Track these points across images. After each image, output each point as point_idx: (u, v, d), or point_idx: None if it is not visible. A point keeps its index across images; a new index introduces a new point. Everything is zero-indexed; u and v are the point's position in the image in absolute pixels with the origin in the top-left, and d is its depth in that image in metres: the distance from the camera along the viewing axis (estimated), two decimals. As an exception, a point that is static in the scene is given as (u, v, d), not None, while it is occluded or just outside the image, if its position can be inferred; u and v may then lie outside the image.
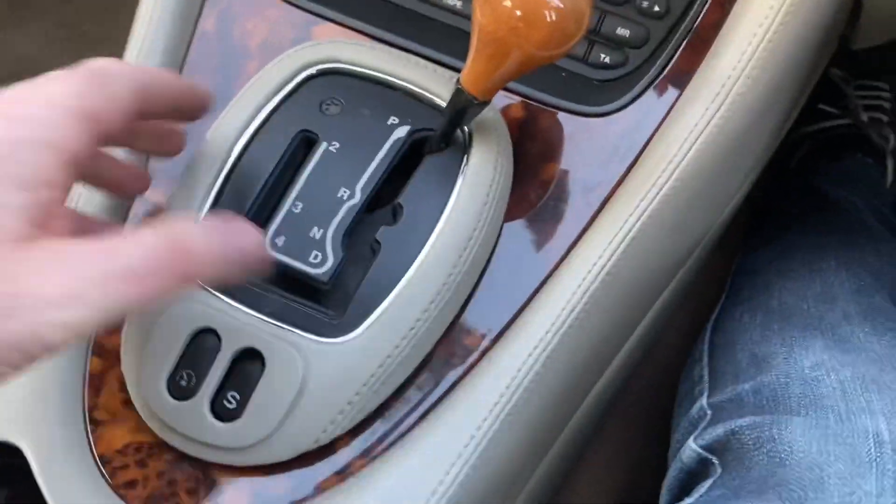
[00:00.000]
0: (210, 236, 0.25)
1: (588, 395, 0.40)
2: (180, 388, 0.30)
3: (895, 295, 0.44)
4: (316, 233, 0.33)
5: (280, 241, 0.32)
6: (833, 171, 0.63)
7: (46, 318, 0.21)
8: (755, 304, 0.43)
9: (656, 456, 0.55)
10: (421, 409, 0.32)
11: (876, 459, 0.29)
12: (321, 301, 0.32)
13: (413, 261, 0.33)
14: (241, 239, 0.26)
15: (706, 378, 0.40)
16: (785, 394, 0.35)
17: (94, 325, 0.22)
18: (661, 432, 0.54)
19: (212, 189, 0.33)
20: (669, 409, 0.48)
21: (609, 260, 0.34)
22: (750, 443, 0.33)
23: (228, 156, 0.34)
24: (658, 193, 0.35)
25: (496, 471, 0.32)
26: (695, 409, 0.38)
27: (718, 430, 0.35)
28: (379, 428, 0.32)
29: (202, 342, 0.31)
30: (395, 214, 0.34)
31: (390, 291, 0.32)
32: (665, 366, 0.58)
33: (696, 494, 0.33)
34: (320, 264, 0.32)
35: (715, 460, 0.34)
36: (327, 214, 0.33)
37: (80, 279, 0.22)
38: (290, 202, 0.33)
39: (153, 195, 0.36)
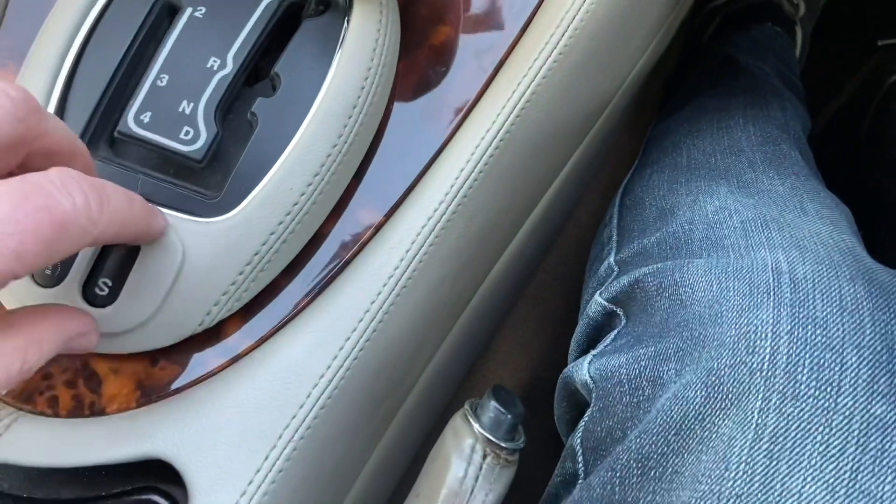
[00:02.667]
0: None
1: (491, 270, 0.39)
2: (45, 276, 0.28)
3: (801, 146, 0.44)
4: (186, 107, 0.30)
5: (145, 117, 0.30)
6: (744, 41, 0.63)
7: None
8: (664, 164, 0.42)
9: (571, 331, 0.57)
10: (312, 288, 0.31)
11: (773, 289, 0.29)
12: (197, 181, 0.30)
13: (293, 134, 0.31)
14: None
15: (615, 237, 0.40)
16: (688, 239, 0.34)
17: None
18: (574, 309, 0.55)
19: (61, 67, 0.30)
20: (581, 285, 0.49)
21: (504, 125, 0.33)
22: (652, 289, 0.32)
23: (79, 28, 0.31)
24: (552, 52, 0.34)
25: (392, 347, 0.32)
26: (602, 268, 0.38)
27: (623, 281, 0.34)
28: (268, 308, 0.31)
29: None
30: (274, 85, 0.32)
31: (270, 166, 0.30)
32: (578, 242, 0.58)
33: (601, 346, 0.33)
34: (192, 141, 0.30)
35: (619, 311, 0.34)
36: (197, 87, 0.30)
37: None
38: (154, 75, 0.30)
39: (2, 74, 0.32)
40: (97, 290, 0.28)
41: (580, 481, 0.29)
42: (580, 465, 0.29)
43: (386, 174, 0.33)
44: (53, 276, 0.28)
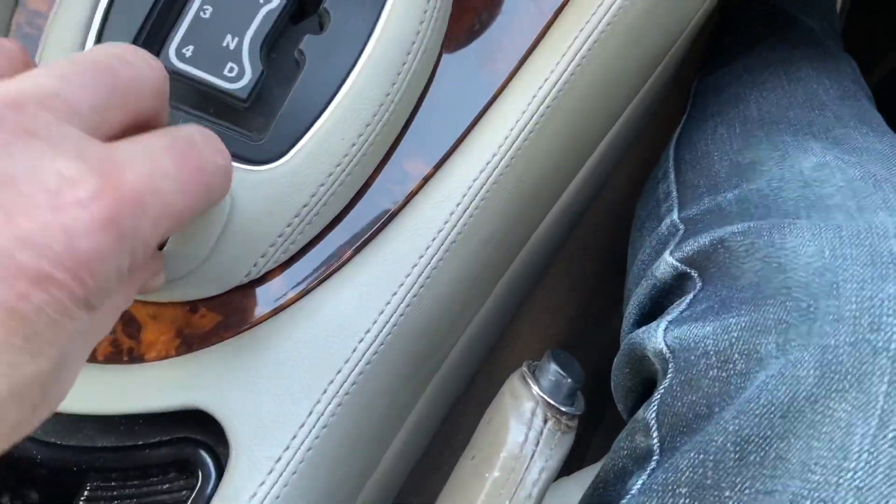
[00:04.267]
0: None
1: (537, 229, 0.38)
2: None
3: (866, 94, 0.41)
4: (230, 42, 0.28)
5: (188, 51, 0.28)
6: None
7: None
8: (730, 117, 0.39)
9: (601, 299, 0.55)
10: (359, 240, 0.30)
11: None
12: (240, 122, 0.29)
13: (343, 76, 0.29)
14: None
15: (674, 194, 0.37)
16: (779, 197, 0.31)
17: None
18: (605, 276, 0.53)
19: None
20: (619, 251, 0.46)
21: (563, 73, 0.31)
22: (741, 250, 0.29)
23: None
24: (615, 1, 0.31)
25: (438, 305, 0.31)
26: (664, 226, 0.35)
27: (702, 240, 0.31)
28: (314, 260, 0.29)
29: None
30: (322, 23, 0.30)
31: (319, 111, 0.29)
32: (610, 207, 0.57)
33: (675, 311, 0.30)
34: (237, 78, 0.28)
35: (694, 273, 0.31)
36: (243, 20, 0.28)
37: None
38: (198, 6, 0.28)
39: (34, 3, 0.30)
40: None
41: (655, 458, 0.27)
42: (654, 440, 0.27)
43: (435, 123, 0.32)
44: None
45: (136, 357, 0.27)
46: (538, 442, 0.26)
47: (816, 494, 0.23)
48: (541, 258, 0.42)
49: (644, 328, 0.30)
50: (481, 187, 0.31)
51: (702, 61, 0.57)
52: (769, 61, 0.43)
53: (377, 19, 0.30)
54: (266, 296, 0.29)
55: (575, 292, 0.53)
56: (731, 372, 0.26)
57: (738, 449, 0.24)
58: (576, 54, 0.32)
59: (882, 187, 0.30)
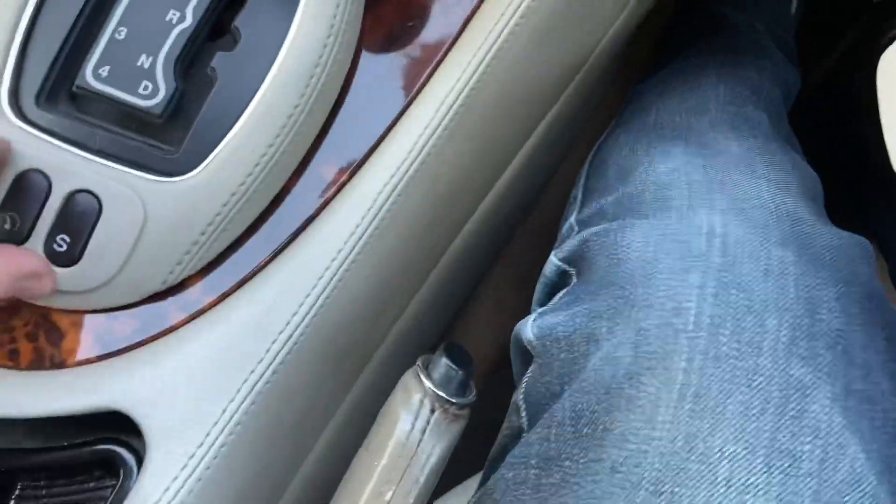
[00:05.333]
0: None
1: (462, 229, 0.39)
2: (6, 233, 0.28)
3: (771, 109, 0.44)
4: (144, 61, 0.30)
5: (104, 71, 0.30)
6: (739, -3, 0.61)
7: None
8: (633, 125, 0.42)
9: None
10: (275, 245, 0.31)
11: (705, 253, 0.29)
12: (157, 137, 0.30)
13: (253, 90, 0.30)
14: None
15: (579, 197, 0.40)
16: (640, 200, 0.34)
17: None
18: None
19: (20, 21, 0.30)
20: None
21: (470, 80, 0.33)
22: (596, 248, 0.33)
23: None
24: (521, 5, 0.33)
25: (354, 304, 0.32)
26: (565, 228, 0.38)
27: (574, 241, 0.35)
28: (230, 266, 0.31)
29: (29, 184, 0.29)
30: (235, 40, 0.31)
31: (230, 124, 0.30)
32: (561, 204, 0.58)
33: (547, 305, 0.34)
34: (151, 95, 0.30)
35: (572, 270, 0.34)
36: (156, 40, 0.30)
37: None
38: (113, 27, 0.30)
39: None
40: (55, 247, 0.28)
41: (524, 434, 0.30)
42: (524, 419, 0.30)
43: (350, 131, 0.33)
44: (15, 230, 0.28)
45: (57, 363, 0.29)
46: (425, 430, 0.27)
47: (630, 461, 0.25)
48: (477, 255, 0.44)
49: (522, 321, 0.33)
50: (392, 191, 0.32)
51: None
52: (683, 69, 0.46)
53: (286, 35, 0.31)
54: (184, 302, 0.30)
55: (523, 284, 0.54)
56: (576, 354, 0.29)
57: (574, 423, 0.27)
58: (481, 61, 0.33)
59: (712, 189, 0.33)
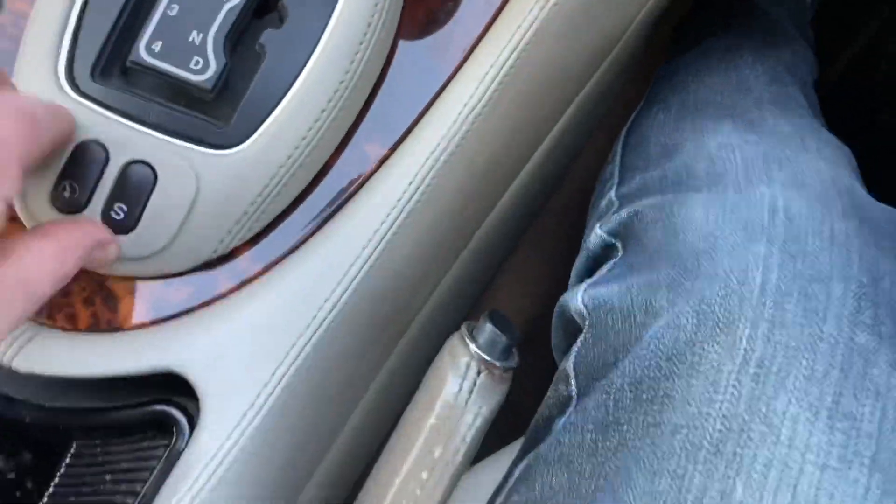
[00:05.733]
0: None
1: (496, 206, 0.40)
2: (66, 201, 0.29)
3: (806, 90, 0.45)
4: (196, 37, 0.31)
5: (157, 46, 0.31)
6: (758, -19, 0.62)
7: None
8: (671, 102, 0.42)
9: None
10: (320, 218, 0.32)
11: (768, 226, 0.29)
12: (208, 111, 0.31)
13: (301, 66, 0.31)
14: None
15: (616, 174, 0.40)
16: (690, 174, 0.35)
17: None
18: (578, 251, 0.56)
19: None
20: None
21: (507, 60, 0.34)
22: (649, 220, 0.33)
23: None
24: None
25: (394, 276, 0.33)
26: (604, 203, 0.39)
27: (622, 214, 0.35)
28: (278, 237, 0.32)
29: (87, 154, 0.30)
30: (282, 17, 0.32)
31: (279, 99, 0.31)
32: (584, 185, 0.59)
33: (596, 276, 0.34)
34: (202, 70, 0.31)
35: (618, 244, 0.35)
36: (207, 17, 0.31)
37: None
38: (165, 4, 0.31)
39: (18, 5, 0.33)
40: (113, 215, 0.29)
41: (574, 403, 0.30)
42: (573, 387, 0.31)
43: (391, 108, 0.34)
44: (74, 198, 0.29)
45: (113, 326, 0.30)
46: (472, 391, 0.28)
47: (692, 423, 0.26)
48: (507, 232, 0.45)
49: (569, 292, 0.33)
50: (433, 166, 0.33)
51: (669, 51, 0.59)
52: (716, 49, 0.47)
53: (331, 13, 0.32)
54: (234, 270, 0.31)
55: (548, 266, 0.55)
56: (632, 324, 0.30)
57: (633, 389, 0.28)
58: (520, 41, 0.34)
59: (769, 164, 0.33)
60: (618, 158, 0.42)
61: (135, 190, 0.30)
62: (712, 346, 0.27)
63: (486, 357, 0.29)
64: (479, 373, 0.29)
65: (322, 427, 0.32)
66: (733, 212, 0.31)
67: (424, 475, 0.27)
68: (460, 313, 0.45)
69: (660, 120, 0.41)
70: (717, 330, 0.27)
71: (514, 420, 0.37)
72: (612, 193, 0.39)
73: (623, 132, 0.44)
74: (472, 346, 0.29)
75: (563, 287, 0.45)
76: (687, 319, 0.28)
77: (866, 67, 0.66)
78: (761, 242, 0.29)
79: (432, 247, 0.35)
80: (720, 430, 0.25)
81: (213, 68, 0.31)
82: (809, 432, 0.25)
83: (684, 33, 0.58)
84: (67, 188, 0.29)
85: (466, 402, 0.28)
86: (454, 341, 0.30)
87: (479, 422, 0.28)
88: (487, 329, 0.30)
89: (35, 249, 0.24)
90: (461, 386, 0.28)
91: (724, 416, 0.26)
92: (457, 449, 0.28)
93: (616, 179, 0.40)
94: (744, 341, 0.27)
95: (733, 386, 0.26)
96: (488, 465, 0.34)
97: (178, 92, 0.31)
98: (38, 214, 0.29)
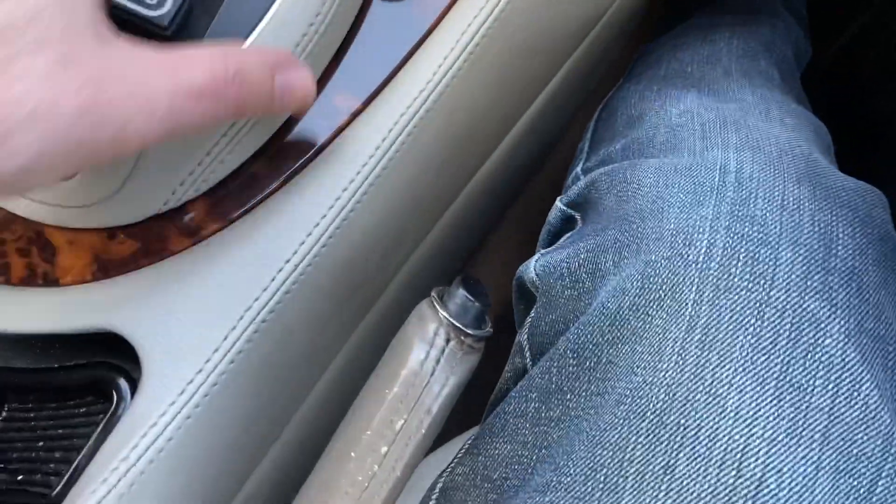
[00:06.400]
0: (264, 71, 0.25)
1: (476, 173, 0.38)
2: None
3: (782, 68, 0.43)
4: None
5: (110, -23, 0.28)
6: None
7: (128, 130, 0.21)
8: (644, 77, 0.41)
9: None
10: (285, 173, 0.30)
11: (718, 188, 0.28)
12: (164, 49, 0.29)
13: (266, 7, 0.29)
14: (292, 78, 0.26)
15: (586, 148, 0.39)
16: (651, 143, 0.34)
17: (157, 139, 0.22)
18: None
19: None
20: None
21: (489, 17, 0.32)
22: (604, 188, 0.32)
23: None
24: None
25: (364, 238, 0.31)
26: (570, 178, 0.38)
27: (581, 184, 0.34)
28: (236, 191, 0.29)
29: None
30: (247, -47, 0.30)
31: (243, 39, 0.28)
32: (567, 165, 0.57)
33: (553, 245, 0.33)
34: (157, 6, 0.28)
35: (577, 216, 0.34)
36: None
37: (155, 90, 0.22)
38: (119, -69, 0.28)
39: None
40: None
41: (528, 374, 0.29)
42: (528, 359, 0.30)
43: (366, 60, 0.31)
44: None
45: (50, 280, 0.27)
46: (439, 360, 0.26)
47: (637, 393, 0.25)
48: (488, 202, 0.42)
49: (524, 263, 0.32)
50: (409, 122, 0.31)
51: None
52: (697, 26, 0.46)
53: None
54: (186, 225, 0.29)
55: (529, 245, 0.53)
56: (581, 290, 0.28)
57: (576, 356, 0.26)
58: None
59: (727, 127, 0.32)
60: (588, 133, 0.41)
61: None
62: (657, 311, 0.26)
63: (456, 324, 0.27)
64: (447, 340, 0.27)
65: (279, 400, 0.30)
66: (685, 175, 0.29)
67: (384, 449, 0.25)
68: (440, 284, 0.43)
69: (630, 92, 0.40)
70: (662, 294, 0.26)
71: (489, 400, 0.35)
72: (579, 167, 0.38)
73: (598, 109, 0.43)
74: (442, 312, 0.27)
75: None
76: (632, 284, 0.27)
77: (858, 54, 0.64)
78: (709, 204, 0.28)
79: (405, 211, 0.32)
80: (663, 401, 0.24)
81: (168, 4, 0.28)
82: (756, 404, 0.24)
83: (671, 10, 0.57)
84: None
85: (433, 372, 0.26)
86: (423, 307, 0.28)
87: (444, 393, 0.26)
88: (459, 294, 0.28)
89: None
90: (428, 354, 0.26)
91: (668, 384, 0.24)
92: (420, 421, 0.26)
93: (584, 154, 0.39)
94: (689, 306, 0.25)
95: (678, 354, 0.25)
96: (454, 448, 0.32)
97: (135, 30, 0.29)
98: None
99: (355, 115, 0.31)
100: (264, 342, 0.28)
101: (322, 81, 0.31)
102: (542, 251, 0.32)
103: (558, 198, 0.35)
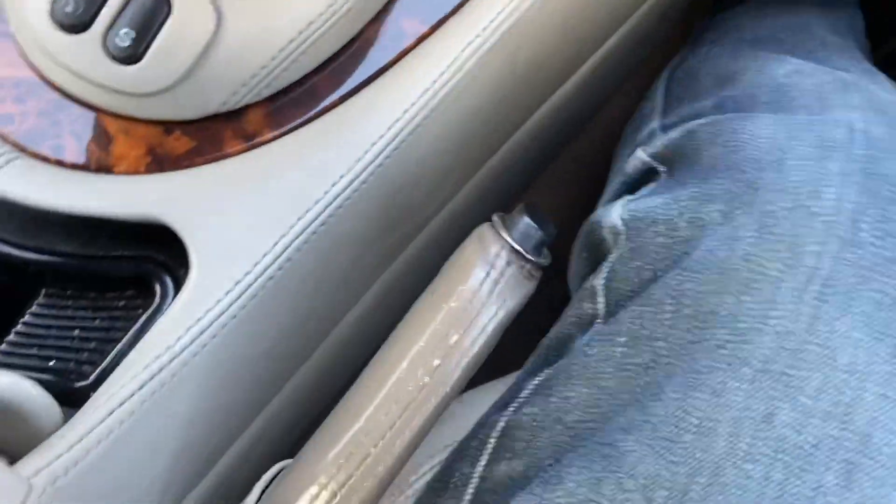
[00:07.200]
0: None
1: (532, 116, 0.37)
2: (67, 16, 0.26)
3: (865, 50, 0.42)
4: None
5: None
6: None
7: None
8: (724, 40, 0.40)
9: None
10: (346, 89, 0.29)
11: (846, 144, 0.27)
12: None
13: None
14: None
15: (659, 107, 0.37)
16: (753, 101, 0.32)
17: None
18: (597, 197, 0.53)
19: None
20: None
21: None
22: (706, 138, 0.30)
23: None
24: None
25: (420, 162, 0.30)
26: (644, 133, 0.36)
27: (673, 135, 0.32)
28: (296, 101, 0.29)
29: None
30: None
31: None
32: (606, 131, 0.56)
33: (636, 194, 0.31)
34: None
35: (662, 168, 0.32)
36: None
37: None
38: None
39: None
40: (117, 41, 0.26)
41: (599, 320, 0.28)
42: (601, 304, 0.28)
43: (436, -15, 0.31)
44: (77, 14, 0.26)
45: (103, 167, 0.26)
46: (498, 282, 0.26)
47: (741, 338, 0.24)
48: (537, 149, 0.42)
49: (604, 207, 0.31)
50: (476, 51, 0.30)
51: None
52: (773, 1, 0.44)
53: None
54: (243, 129, 0.28)
55: (565, 210, 0.53)
56: (677, 238, 0.27)
57: (674, 303, 0.25)
58: None
59: (848, 90, 0.31)
60: (659, 93, 0.39)
61: (146, 16, 0.26)
62: (772, 262, 0.25)
63: (519, 248, 0.27)
64: (508, 264, 0.26)
65: (322, 311, 0.29)
66: (807, 130, 0.28)
67: (436, 362, 0.25)
68: (483, 220, 0.43)
69: (711, 55, 0.38)
70: (781, 245, 0.25)
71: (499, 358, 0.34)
72: (656, 123, 0.36)
73: (665, 71, 0.41)
74: (505, 235, 0.27)
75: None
76: (746, 232, 0.26)
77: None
78: (837, 160, 0.27)
79: (464, 139, 0.32)
80: (771, 348, 0.23)
81: None
82: (871, 360, 0.23)
83: None
84: (70, 3, 0.26)
85: (492, 292, 0.25)
86: (484, 228, 0.28)
87: (500, 315, 0.26)
88: (523, 220, 0.27)
89: None
90: (488, 273, 0.26)
91: (777, 332, 0.23)
92: (474, 339, 0.25)
93: (658, 112, 0.37)
94: (810, 258, 0.24)
95: (792, 303, 0.24)
96: (490, 389, 0.32)
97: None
98: (31, 25, 0.26)
99: (421, 39, 0.30)
100: (313, 252, 0.27)
101: (389, 4, 0.31)
102: (629, 198, 0.31)
103: (638, 148, 0.34)
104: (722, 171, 0.28)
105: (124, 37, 0.26)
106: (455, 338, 0.25)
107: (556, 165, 0.52)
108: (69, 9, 0.26)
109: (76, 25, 0.26)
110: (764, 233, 0.25)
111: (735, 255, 0.25)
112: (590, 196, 0.38)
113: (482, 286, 0.26)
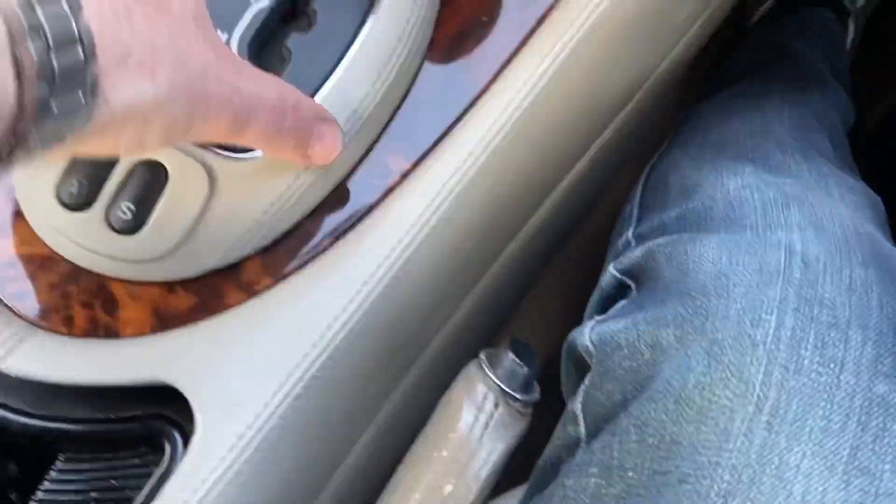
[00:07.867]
0: (311, 114, 0.28)
1: (518, 233, 0.38)
2: (71, 196, 0.28)
3: (833, 138, 0.44)
4: (220, 37, 0.30)
5: (179, 44, 0.29)
6: (794, 24, 0.61)
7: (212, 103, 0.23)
8: (692, 144, 0.42)
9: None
10: (336, 232, 0.31)
11: (784, 269, 0.28)
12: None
13: (327, 74, 0.30)
14: (327, 131, 0.29)
15: (635, 213, 0.39)
16: (708, 216, 0.34)
17: (224, 131, 0.25)
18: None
19: None
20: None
21: (541, 79, 0.32)
22: (663, 259, 0.32)
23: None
24: (598, 7, 0.32)
25: (412, 295, 0.31)
26: (621, 242, 0.38)
27: (637, 253, 0.34)
28: (290, 248, 0.30)
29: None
30: (310, 22, 0.31)
31: None
32: (609, 221, 0.57)
33: (608, 312, 0.33)
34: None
35: (631, 283, 0.34)
36: (232, 17, 0.30)
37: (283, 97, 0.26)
38: (190, 2, 0.30)
39: None
40: (119, 214, 0.28)
41: (582, 445, 0.29)
42: (581, 428, 0.29)
43: (417, 121, 0.33)
44: (81, 194, 0.28)
45: (111, 333, 0.28)
46: (488, 425, 0.26)
47: (700, 473, 0.24)
48: (528, 263, 0.43)
49: (578, 328, 0.32)
50: (457, 184, 0.31)
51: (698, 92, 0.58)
52: (743, 94, 0.47)
53: (362, 22, 0.31)
54: (242, 280, 0.30)
55: (569, 303, 0.53)
56: (640, 362, 0.28)
57: (639, 432, 0.26)
58: (550, 65, 0.32)
59: (789, 206, 0.32)
60: (637, 198, 0.41)
61: (144, 188, 0.28)
62: (723, 390, 0.25)
63: (506, 388, 0.27)
64: (496, 405, 0.27)
65: (323, 455, 0.30)
66: (748, 253, 0.30)
67: (433, 513, 0.25)
68: (477, 344, 0.43)
69: (679, 160, 0.40)
70: (729, 373, 0.26)
71: (527, 463, 0.34)
72: (630, 233, 0.38)
73: (644, 173, 0.43)
74: (491, 376, 0.28)
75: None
76: (696, 361, 0.26)
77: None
78: (776, 286, 0.28)
79: (451, 269, 0.33)
80: (728, 482, 0.24)
81: None
82: (824, 489, 0.23)
83: (715, 76, 0.57)
84: (74, 184, 0.28)
85: (482, 437, 0.26)
86: (471, 369, 0.28)
87: (493, 459, 0.26)
88: (508, 358, 0.28)
89: None
90: (477, 418, 0.26)
91: (733, 466, 0.24)
92: (468, 487, 0.25)
93: (634, 220, 0.39)
94: (756, 387, 0.25)
95: (745, 434, 0.24)
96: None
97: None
98: (40, 207, 0.28)
99: (405, 175, 0.32)
100: (313, 396, 0.28)
101: (374, 142, 0.32)
102: (598, 318, 0.32)
103: (611, 263, 0.35)
104: (674, 296, 0.29)
105: (126, 210, 0.28)
106: (449, 488, 0.26)
107: (559, 263, 0.53)
108: (73, 189, 0.28)
109: (80, 205, 0.28)
110: (713, 361, 0.26)
111: (689, 385, 0.26)
112: (585, 296, 0.39)
113: (472, 431, 0.26)
